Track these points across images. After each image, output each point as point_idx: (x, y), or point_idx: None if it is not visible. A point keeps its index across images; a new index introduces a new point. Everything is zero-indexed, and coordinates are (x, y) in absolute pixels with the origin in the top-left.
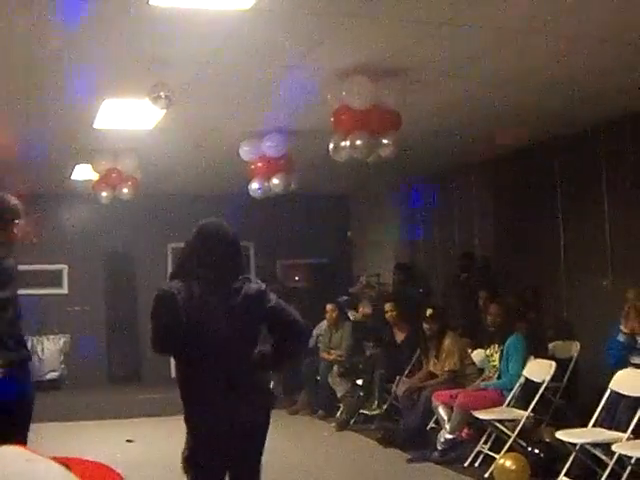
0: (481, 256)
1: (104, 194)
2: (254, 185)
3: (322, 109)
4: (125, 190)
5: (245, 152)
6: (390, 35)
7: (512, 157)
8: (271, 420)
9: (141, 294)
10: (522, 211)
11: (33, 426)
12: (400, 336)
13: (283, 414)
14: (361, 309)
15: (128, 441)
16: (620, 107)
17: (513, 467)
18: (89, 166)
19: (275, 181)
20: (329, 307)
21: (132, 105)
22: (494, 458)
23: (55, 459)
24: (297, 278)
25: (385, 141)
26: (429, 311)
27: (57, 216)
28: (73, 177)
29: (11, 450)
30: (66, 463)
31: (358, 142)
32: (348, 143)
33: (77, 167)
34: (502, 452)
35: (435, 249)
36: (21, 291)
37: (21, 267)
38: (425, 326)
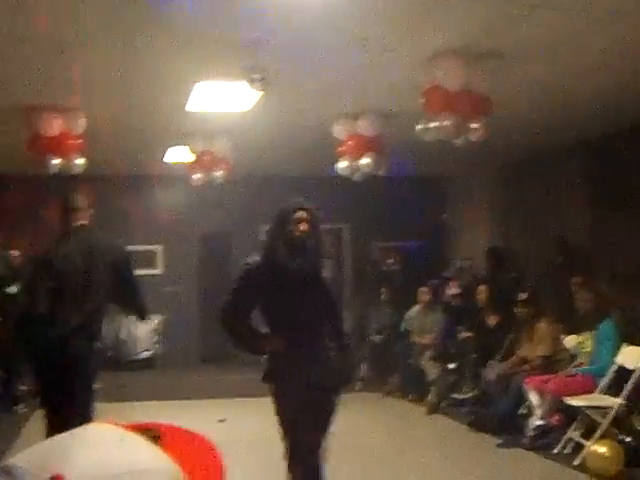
0: (575, 241)
1: (197, 176)
2: (342, 164)
3: (417, 91)
4: (218, 173)
5: (338, 131)
6: (484, 17)
7: (608, 142)
8: (362, 402)
9: (234, 276)
10: (619, 196)
11: (127, 404)
12: (492, 320)
13: (374, 396)
14: (449, 291)
15: (220, 421)
16: None
17: (607, 454)
18: (184, 149)
19: (365, 160)
20: (422, 290)
21: (227, 88)
22: (584, 445)
23: (150, 425)
24: (391, 261)
25: (474, 125)
26: (522, 296)
27: (152, 197)
28: (167, 159)
29: (106, 429)
30: (157, 431)
31: (446, 123)
32: (436, 124)
33: (171, 150)
34: (593, 439)
35: (529, 233)
36: None
37: None
38: (518, 311)
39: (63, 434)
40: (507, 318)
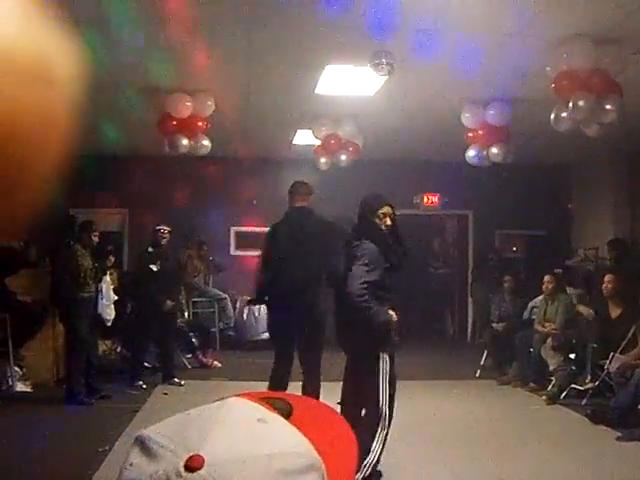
0: None
1: (323, 160)
2: (471, 152)
3: (543, 77)
4: (343, 156)
5: (467, 119)
6: (612, 2)
7: None
8: (480, 389)
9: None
10: None
11: (245, 384)
12: (615, 311)
13: (493, 384)
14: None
15: (339, 404)
16: None
17: None
18: (310, 132)
19: (494, 150)
20: (547, 278)
21: (354, 72)
22: None
23: (280, 395)
24: (514, 249)
25: (608, 106)
26: None
27: (279, 180)
28: (295, 142)
29: (245, 407)
30: (288, 403)
31: (581, 103)
32: (570, 106)
33: (299, 132)
34: None
35: None
36: (242, 252)
37: (244, 229)
38: None
39: (199, 408)
40: (631, 309)
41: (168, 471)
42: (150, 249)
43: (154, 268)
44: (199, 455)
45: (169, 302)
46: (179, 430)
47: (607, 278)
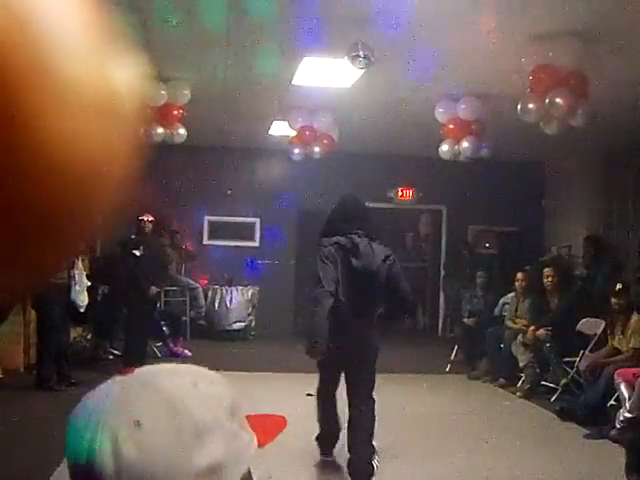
0: None
1: (297, 151)
2: (444, 147)
3: (519, 74)
4: (317, 148)
5: (440, 113)
6: (594, 1)
7: None
8: (450, 384)
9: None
10: None
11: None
12: (554, 304)
13: (463, 379)
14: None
15: (309, 395)
16: None
17: None
18: (286, 123)
19: (465, 144)
20: (520, 275)
21: (331, 64)
22: None
23: None
24: (487, 245)
25: (579, 109)
26: (618, 286)
27: (253, 170)
28: (271, 133)
29: (186, 371)
30: None
31: (557, 101)
32: (545, 102)
33: (275, 123)
34: None
35: (630, 223)
36: (215, 242)
37: (215, 219)
38: (613, 301)
39: (130, 378)
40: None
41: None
42: (134, 236)
43: (138, 254)
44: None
45: (154, 288)
46: (117, 399)
47: (547, 271)
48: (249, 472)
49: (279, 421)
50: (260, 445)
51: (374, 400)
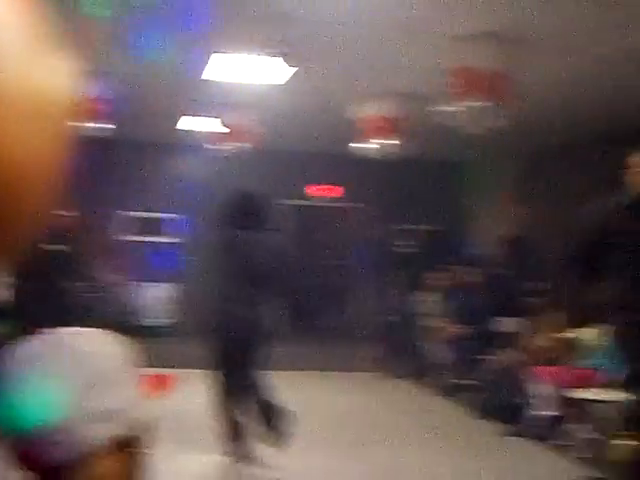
0: None
1: (213, 146)
2: (361, 145)
3: (441, 74)
4: (241, 144)
5: (359, 111)
6: (514, 3)
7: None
8: (371, 382)
9: None
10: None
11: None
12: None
13: (382, 377)
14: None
15: None
16: None
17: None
18: (198, 118)
19: (386, 142)
20: (438, 275)
21: (250, 60)
22: (586, 438)
23: None
24: (410, 243)
25: (498, 111)
26: (535, 285)
27: (170, 166)
28: (182, 127)
29: (95, 333)
30: None
31: (475, 105)
32: (462, 106)
33: (186, 118)
34: (601, 433)
35: (551, 223)
36: (131, 237)
37: (132, 214)
38: (531, 299)
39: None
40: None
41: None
42: (48, 232)
43: (52, 249)
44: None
45: (69, 284)
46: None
47: (467, 269)
48: (138, 419)
49: (169, 379)
50: (154, 398)
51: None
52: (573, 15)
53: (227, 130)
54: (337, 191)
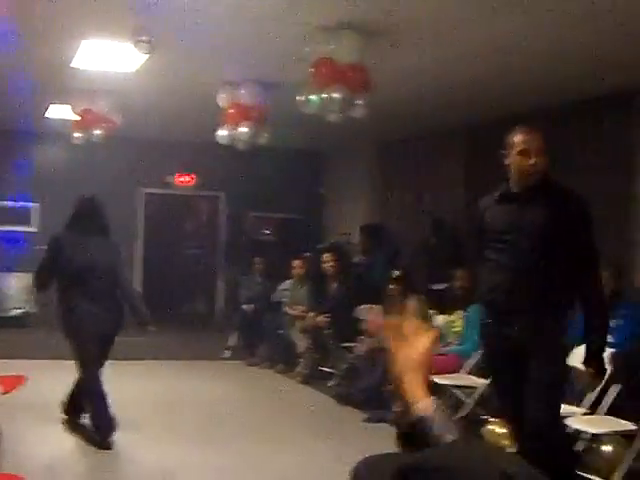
0: (451, 222)
1: (77, 135)
2: (222, 132)
3: (304, 63)
4: (98, 132)
5: (221, 99)
6: None
7: (485, 127)
8: (229, 371)
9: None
10: (492, 179)
11: None
12: (332, 288)
13: (242, 365)
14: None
15: None
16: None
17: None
18: (66, 106)
19: (243, 129)
20: (296, 263)
21: (114, 47)
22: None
23: None
24: (266, 231)
25: (358, 101)
26: (395, 273)
27: (32, 154)
28: (49, 116)
29: None
30: None
31: (335, 96)
32: (323, 96)
33: (54, 106)
34: (456, 417)
35: (406, 212)
36: None
37: None
38: (390, 287)
39: None
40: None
41: None
42: None
43: None
44: None
45: None
46: None
47: (326, 257)
48: None
49: (19, 378)
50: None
51: None
52: (434, 6)
53: (79, 118)
54: (193, 179)
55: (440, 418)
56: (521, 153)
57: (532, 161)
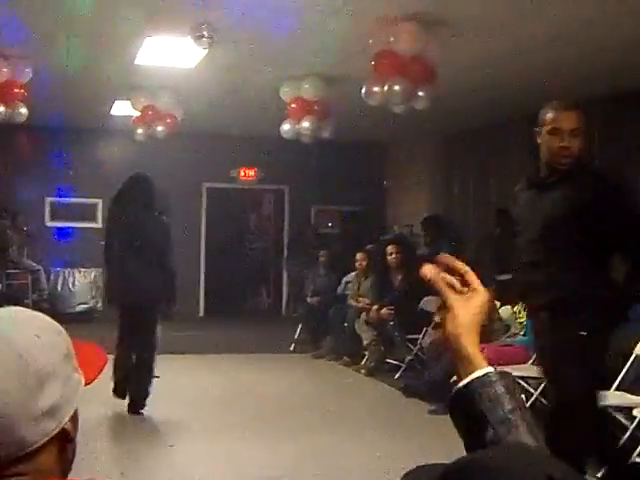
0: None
1: (140, 131)
2: (285, 126)
3: (364, 56)
4: (160, 128)
5: (284, 93)
6: None
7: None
8: (295, 363)
9: (174, 231)
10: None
11: None
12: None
13: (308, 358)
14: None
15: (154, 377)
16: None
17: None
18: (128, 103)
19: (306, 124)
20: (359, 255)
21: (175, 43)
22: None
23: None
24: (330, 224)
25: (421, 93)
26: None
27: (96, 150)
28: (114, 113)
29: (26, 319)
30: None
31: (396, 88)
32: (385, 88)
33: (118, 103)
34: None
35: (470, 203)
36: (57, 223)
37: (57, 200)
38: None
39: None
40: (413, 279)
41: None
42: None
43: None
44: None
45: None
46: None
47: (390, 249)
48: (76, 409)
49: (100, 355)
50: (87, 383)
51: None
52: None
53: (151, 114)
54: (256, 173)
55: (498, 386)
56: (552, 132)
57: (564, 143)
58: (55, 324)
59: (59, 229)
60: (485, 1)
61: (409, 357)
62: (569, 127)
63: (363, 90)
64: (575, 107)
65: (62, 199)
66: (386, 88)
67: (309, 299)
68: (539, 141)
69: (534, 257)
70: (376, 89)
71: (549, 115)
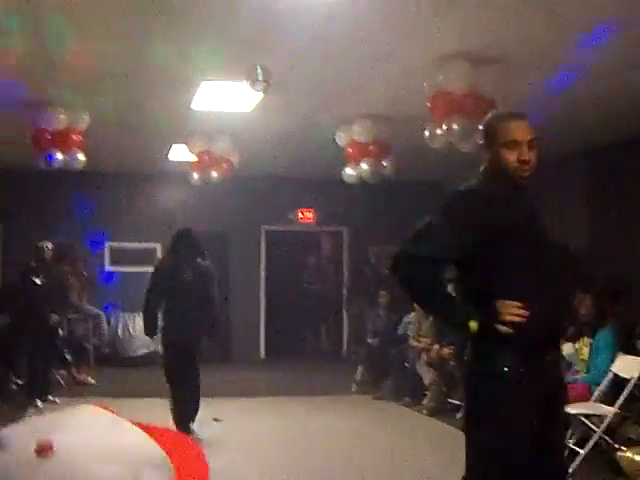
0: (574, 247)
1: (196, 176)
2: (347, 170)
3: (419, 96)
4: (215, 172)
5: (339, 137)
6: (489, 23)
7: (609, 148)
8: (356, 404)
9: (233, 274)
10: (618, 200)
11: (123, 400)
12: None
13: (368, 399)
14: None
15: (215, 420)
16: None
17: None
18: (185, 147)
19: (364, 166)
20: None
21: (230, 87)
22: (578, 453)
23: (137, 425)
24: (387, 265)
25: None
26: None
27: (154, 195)
28: (171, 158)
29: (99, 411)
30: (147, 429)
31: (455, 127)
32: (445, 128)
33: (175, 147)
34: (586, 448)
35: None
36: (117, 268)
37: (117, 245)
38: None
39: (57, 412)
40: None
41: (19, 458)
42: (33, 264)
43: (38, 282)
44: (47, 439)
45: (55, 316)
46: (33, 427)
47: (451, 288)
48: None
49: (204, 468)
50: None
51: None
52: (542, 27)
53: (207, 158)
54: (314, 215)
55: None
56: (509, 145)
57: (524, 156)
58: (156, 452)
59: (119, 273)
60: (535, 34)
61: None
62: (526, 139)
63: (426, 133)
64: (526, 116)
65: (121, 243)
66: (445, 127)
67: (369, 340)
68: (486, 156)
69: None
70: (438, 131)
71: (504, 125)
